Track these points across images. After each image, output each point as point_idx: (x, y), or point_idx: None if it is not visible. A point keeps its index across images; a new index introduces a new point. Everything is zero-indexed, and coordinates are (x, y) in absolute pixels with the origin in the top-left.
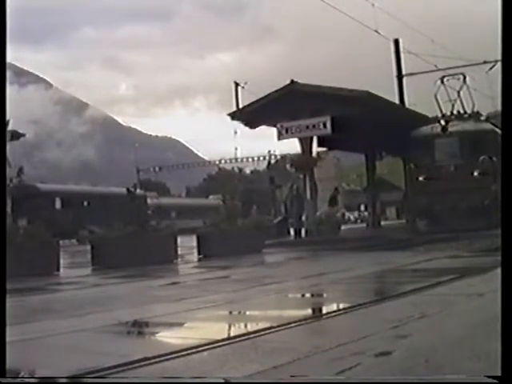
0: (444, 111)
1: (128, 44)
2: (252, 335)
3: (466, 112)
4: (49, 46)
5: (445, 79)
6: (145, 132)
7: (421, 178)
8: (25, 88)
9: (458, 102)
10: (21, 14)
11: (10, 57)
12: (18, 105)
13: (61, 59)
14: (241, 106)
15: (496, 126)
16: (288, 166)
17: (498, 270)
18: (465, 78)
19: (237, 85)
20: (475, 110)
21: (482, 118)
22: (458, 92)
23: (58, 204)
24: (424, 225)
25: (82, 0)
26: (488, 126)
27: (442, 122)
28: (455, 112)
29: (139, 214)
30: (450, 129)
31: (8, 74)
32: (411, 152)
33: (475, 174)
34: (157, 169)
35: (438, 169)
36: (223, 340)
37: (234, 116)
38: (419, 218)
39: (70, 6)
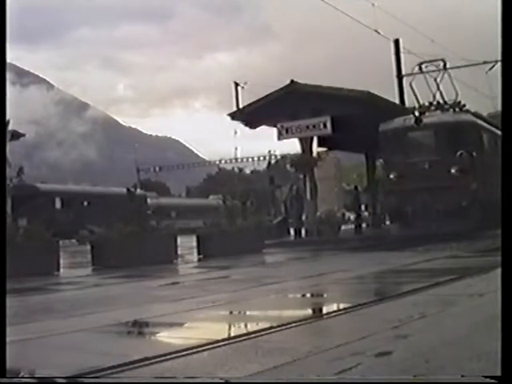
0: (422, 102)
1: (128, 44)
2: (252, 335)
3: (446, 102)
4: (48, 46)
5: (423, 65)
6: (145, 132)
7: (392, 176)
8: (27, 88)
9: (439, 91)
10: (19, 13)
11: (9, 57)
12: (19, 105)
13: (60, 59)
14: (241, 106)
15: (479, 118)
16: (288, 166)
17: (498, 270)
18: (445, 64)
19: (236, 85)
20: (458, 100)
21: (464, 109)
22: (436, 80)
23: (57, 204)
24: (395, 228)
25: (81, 0)
26: (469, 117)
27: (416, 113)
28: (435, 103)
29: (139, 214)
30: (425, 120)
31: (10, 74)
32: (380, 147)
33: (453, 171)
34: (157, 169)
35: (411, 165)
36: (223, 340)
37: (234, 116)
38: (390, 220)
39: (68, 5)
